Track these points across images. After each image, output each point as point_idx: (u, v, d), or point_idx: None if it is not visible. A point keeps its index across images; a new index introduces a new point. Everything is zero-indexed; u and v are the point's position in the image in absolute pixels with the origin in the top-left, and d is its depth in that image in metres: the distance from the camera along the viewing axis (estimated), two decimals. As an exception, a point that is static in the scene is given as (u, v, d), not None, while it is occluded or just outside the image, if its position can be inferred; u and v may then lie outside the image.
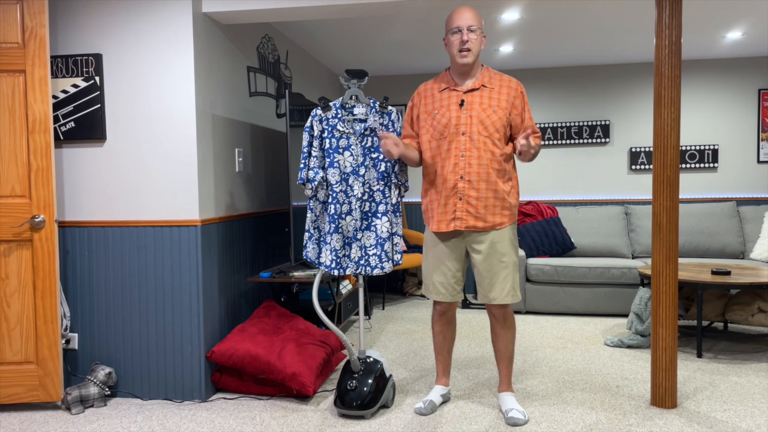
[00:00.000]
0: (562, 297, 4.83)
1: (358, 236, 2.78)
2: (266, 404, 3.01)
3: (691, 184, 5.67)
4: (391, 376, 2.97)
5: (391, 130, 2.77)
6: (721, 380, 3.25)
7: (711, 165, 5.61)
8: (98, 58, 3.06)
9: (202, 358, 3.07)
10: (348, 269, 2.80)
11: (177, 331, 3.08)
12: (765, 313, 3.68)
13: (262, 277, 3.45)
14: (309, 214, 2.80)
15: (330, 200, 2.78)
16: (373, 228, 2.78)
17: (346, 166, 2.78)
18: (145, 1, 3.02)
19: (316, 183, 2.76)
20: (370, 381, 2.82)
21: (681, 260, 4.93)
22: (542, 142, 2.79)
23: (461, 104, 2.69)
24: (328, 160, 2.77)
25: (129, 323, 3.12)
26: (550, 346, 3.98)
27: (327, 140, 2.78)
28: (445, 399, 3.01)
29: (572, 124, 5.76)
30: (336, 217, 2.77)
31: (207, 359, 3.10)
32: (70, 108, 3.10)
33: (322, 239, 2.82)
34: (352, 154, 2.77)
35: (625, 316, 4.80)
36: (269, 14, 3.17)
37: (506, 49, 4.98)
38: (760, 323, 3.68)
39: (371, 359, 2.91)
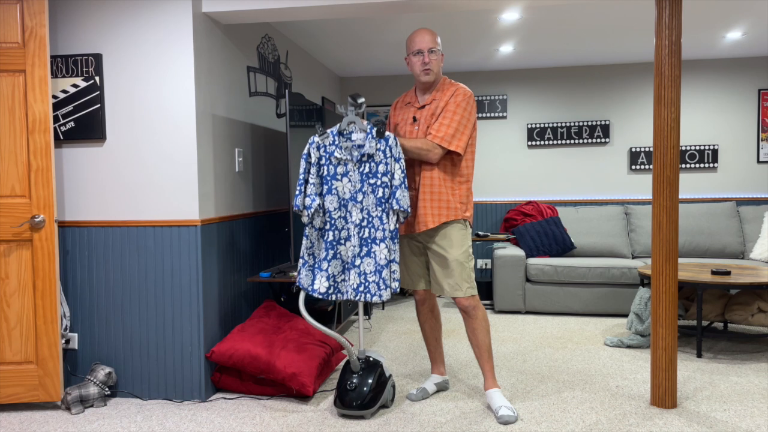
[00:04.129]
0: (562, 297, 4.83)
1: (357, 263, 2.75)
2: (266, 404, 3.01)
3: (691, 184, 5.67)
4: (390, 376, 2.98)
5: (388, 155, 2.73)
6: (721, 380, 3.25)
7: (711, 165, 5.61)
8: (98, 58, 3.06)
9: (202, 358, 3.07)
10: (346, 294, 2.79)
11: (177, 331, 3.08)
12: (765, 313, 3.68)
13: (262, 277, 3.45)
14: (305, 241, 2.79)
15: (328, 227, 2.76)
16: (372, 254, 2.75)
17: (344, 193, 2.76)
18: (145, 1, 3.02)
19: (312, 210, 2.74)
20: (370, 381, 2.82)
21: (681, 260, 4.94)
22: (435, 155, 2.82)
23: (414, 119, 2.92)
24: (326, 186, 2.76)
25: (129, 323, 3.12)
26: (550, 346, 3.98)
27: (324, 167, 2.76)
28: (441, 388, 3.12)
29: (572, 124, 5.76)
30: (334, 243, 2.76)
31: (207, 359, 3.10)
32: (70, 108, 3.10)
33: (316, 266, 2.79)
34: (350, 181, 2.75)
35: (625, 316, 4.80)
36: (269, 14, 3.17)
37: (506, 49, 4.98)
38: (760, 323, 3.68)
39: (371, 359, 2.91)
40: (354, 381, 2.81)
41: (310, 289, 2.78)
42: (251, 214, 3.63)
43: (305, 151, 2.77)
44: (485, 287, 5.46)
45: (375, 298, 2.73)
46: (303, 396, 3.09)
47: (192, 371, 3.08)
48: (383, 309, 5.16)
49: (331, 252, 2.76)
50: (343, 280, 2.79)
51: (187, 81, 3.01)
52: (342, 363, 3.58)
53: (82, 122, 3.09)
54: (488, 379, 2.91)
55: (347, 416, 2.82)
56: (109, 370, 3.04)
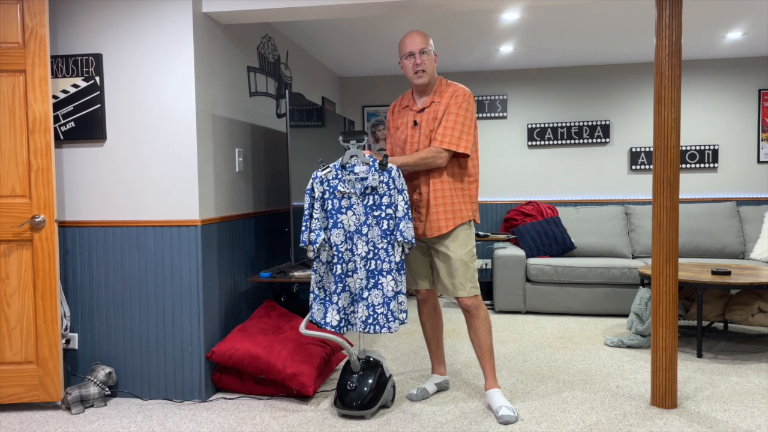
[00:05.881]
0: (562, 297, 4.83)
1: (365, 295, 2.76)
2: (266, 404, 3.01)
3: (691, 184, 5.67)
4: (391, 376, 2.98)
5: (391, 187, 2.75)
6: (721, 380, 3.25)
7: (711, 165, 5.61)
8: (98, 58, 3.06)
9: (202, 358, 3.07)
10: (356, 327, 2.80)
11: (177, 331, 3.08)
12: (765, 313, 3.68)
13: (262, 277, 3.45)
14: (313, 276, 2.81)
15: (336, 260, 2.77)
16: (379, 286, 2.76)
17: (350, 225, 2.77)
18: (145, 1, 3.02)
19: (317, 245, 2.75)
20: (370, 381, 2.82)
21: (681, 260, 4.93)
22: (441, 160, 2.87)
23: (415, 123, 2.91)
24: (332, 221, 2.76)
25: (129, 323, 3.12)
26: (550, 346, 3.98)
27: (329, 201, 2.77)
28: (441, 388, 3.13)
29: (572, 124, 5.76)
30: (343, 276, 2.77)
31: (207, 359, 3.10)
32: (70, 108, 3.10)
33: (327, 299, 2.80)
34: (354, 214, 2.76)
35: (625, 316, 4.80)
36: (269, 14, 3.17)
37: (506, 49, 4.98)
38: (760, 323, 3.68)
39: (371, 359, 2.91)
40: (354, 381, 2.81)
41: (323, 322, 2.80)
42: (251, 214, 3.63)
43: (309, 187, 2.79)
44: (485, 287, 5.46)
45: (384, 330, 2.75)
46: (303, 396, 3.09)
47: (192, 371, 3.08)
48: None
49: (340, 285, 2.77)
50: (353, 312, 2.80)
51: (187, 81, 3.01)
52: (342, 363, 3.58)
53: (83, 122, 3.09)
54: (489, 379, 2.92)
55: (347, 416, 2.82)
56: (109, 370, 3.04)
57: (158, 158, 3.05)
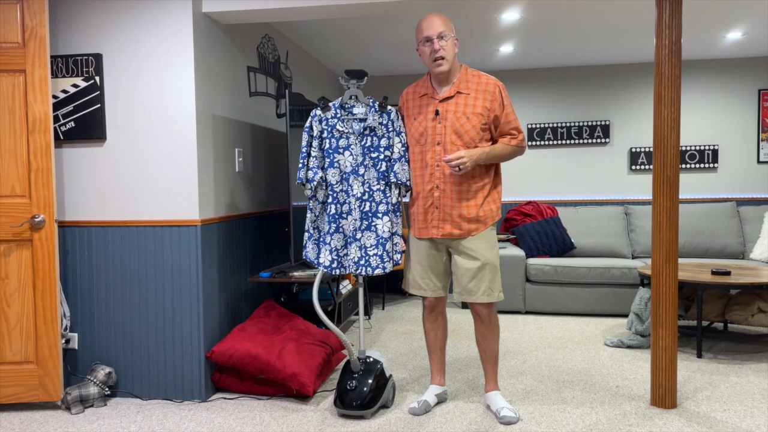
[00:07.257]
0: (562, 297, 4.83)
1: (358, 236, 2.76)
2: (266, 404, 3.01)
3: (691, 184, 5.67)
4: (391, 376, 2.97)
5: (390, 129, 2.76)
6: (721, 380, 3.25)
7: (711, 165, 5.60)
8: (98, 58, 3.06)
9: (202, 358, 3.07)
10: (348, 269, 2.78)
11: (177, 331, 3.08)
12: (765, 313, 3.68)
13: (262, 277, 3.45)
14: (309, 215, 2.80)
15: (330, 200, 2.77)
16: (373, 228, 2.75)
17: (346, 166, 2.76)
18: (145, 1, 3.02)
19: (314, 183, 2.75)
20: (370, 381, 2.82)
21: (681, 260, 4.93)
22: (526, 144, 2.78)
23: (436, 114, 2.70)
24: (328, 160, 2.76)
25: (129, 323, 3.12)
26: (550, 346, 3.98)
27: (327, 140, 2.77)
28: (441, 399, 2.99)
29: (572, 124, 5.75)
30: (336, 217, 2.76)
31: (207, 359, 3.10)
32: (70, 108, 3.10)
33: (321, 239, 2.81)
34: (351, 154, 2.76)
35: (625, 316, 4.80)
36: (269, 14, 3.17)
37: (506, 49, 4.98)
38: (760, 323, 3.68)
39: (371, 359, 2.91)
40: (354, 381, 2.81)
41: (316, 262, 2.80)
42: (251, 214, 3.63)
43: (307, 124, 2.78)
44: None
45: (378, 271, 2.73)
46: (303, 396, 3.09)
47: (192, 371, 3.08)
48: (383, 309, 5.16)
49: (333, 225, 2.76)
50: (346, 254, 2.79)
51: (187, 81, 3.01)
52: (342, 363, 3.58)
53: (82, 122, 3.09)
54: (490, 382, 2.89)
55: (347, 416, 2.82)
56: (109, 370, 3.04)
57: (158, 158, 3.05)
